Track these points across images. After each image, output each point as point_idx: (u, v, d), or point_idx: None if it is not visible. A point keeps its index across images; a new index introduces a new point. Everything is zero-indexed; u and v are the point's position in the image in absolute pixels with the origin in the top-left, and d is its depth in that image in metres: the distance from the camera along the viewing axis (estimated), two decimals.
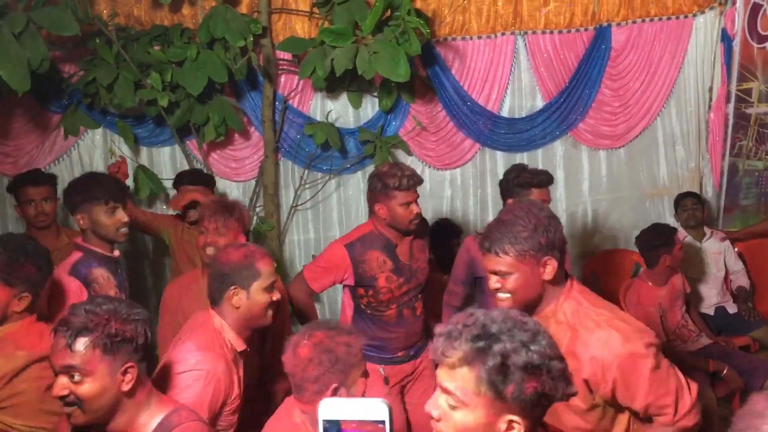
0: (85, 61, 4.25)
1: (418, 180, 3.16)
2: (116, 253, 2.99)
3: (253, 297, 2.44)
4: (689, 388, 2.11)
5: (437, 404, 1.49)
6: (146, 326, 1.90)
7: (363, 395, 2.14)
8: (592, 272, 4.71)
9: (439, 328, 1.50)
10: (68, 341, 1.81)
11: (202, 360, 2.28)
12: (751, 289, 4.69)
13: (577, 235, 4.96)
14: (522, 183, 3.32)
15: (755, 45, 4.77)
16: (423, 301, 3.37)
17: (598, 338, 2.04)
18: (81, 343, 1.80)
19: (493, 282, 2.15)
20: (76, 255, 2.90)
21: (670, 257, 3.84)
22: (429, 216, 4.77)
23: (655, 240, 3.90)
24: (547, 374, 1.42)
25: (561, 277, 2.17)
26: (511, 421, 1.43)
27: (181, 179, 3.98)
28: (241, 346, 2.44)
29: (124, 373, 1.85)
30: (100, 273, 2.86)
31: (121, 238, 2.94)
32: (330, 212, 4.80)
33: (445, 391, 1.47)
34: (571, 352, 2.02)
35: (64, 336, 1.82)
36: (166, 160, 4.67)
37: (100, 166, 4.51)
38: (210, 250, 2.88)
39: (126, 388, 1.86)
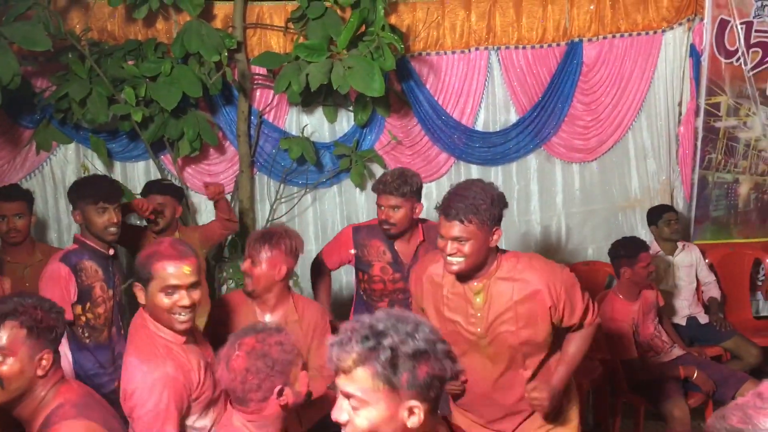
0: (57, 76, 4.19)
1: (394, 187, 3.27)
2: (111, 251, 3.20)
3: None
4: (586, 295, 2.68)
5: (341, 410, 1.58)
6: (64, 322, 2.09)
7: (308, 387, 2.18)
8: None
9: (329, 339, 1.60)
10: None
11: (147, 371, 2.25)
12: (722, 300, 4.76)
13: (551, 247, 5.00)
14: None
15: (723, 60, 4.87)
16: None
17: (546, 274, 2.54)
18: (9, 325, 1.98)
19: (450, 248, 2.43)
20: (73, 246, 3.17)
21: (630, 270, 3.88)
22: None
23: (620, 250, 3.96)
24: (434, 357, 1.55)
25: (496, 246, 2.57)
26: (411, 407, 1.55)
27: (149, 189, 3.95)
28: (179, 340, 2.32)
29: (41, 359, 2.01)
30: (90, 265, 3.11)
31: (108, 237, 3.15)
32: (306, 226, 4.79)
33: (346, 395, 1.57)
34: (529, 290, 2.50)
35: None
36: (140, 175, 4.62)
37: (71, 182, 4.43)
38: (246, 280, 2.85)
39: (41, 373, 2.02)
